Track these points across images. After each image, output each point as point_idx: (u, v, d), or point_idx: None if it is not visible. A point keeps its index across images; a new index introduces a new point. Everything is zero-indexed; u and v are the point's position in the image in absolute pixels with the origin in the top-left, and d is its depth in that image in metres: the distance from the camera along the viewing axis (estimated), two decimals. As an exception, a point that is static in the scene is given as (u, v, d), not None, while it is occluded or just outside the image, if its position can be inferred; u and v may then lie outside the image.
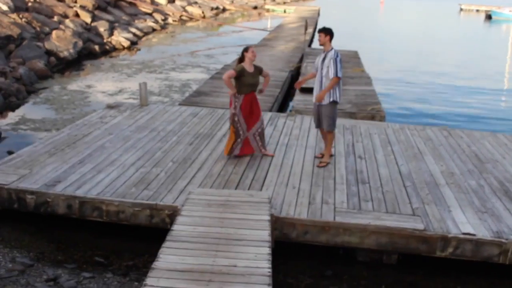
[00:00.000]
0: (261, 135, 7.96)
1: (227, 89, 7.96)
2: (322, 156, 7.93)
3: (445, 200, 6.65)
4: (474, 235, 5.76)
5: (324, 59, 7.51)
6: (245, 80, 7.52)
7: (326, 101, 7.55)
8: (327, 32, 7.49)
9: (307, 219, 6.00)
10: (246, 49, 7.60)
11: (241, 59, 7.63)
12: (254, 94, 7.75)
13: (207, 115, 10.21)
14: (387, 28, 41.66)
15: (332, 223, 5.95)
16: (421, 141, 9.16)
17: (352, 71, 16.13)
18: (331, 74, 7.36)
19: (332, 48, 7.48)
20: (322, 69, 7.51)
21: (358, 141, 8.99)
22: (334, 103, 7.59)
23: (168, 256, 4.92)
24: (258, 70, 7.74)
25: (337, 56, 7.38)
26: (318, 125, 7.89)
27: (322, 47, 7.63)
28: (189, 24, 34.63)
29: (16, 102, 12.55)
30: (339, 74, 7.36)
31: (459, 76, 20.86)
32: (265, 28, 31.40)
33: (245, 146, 7.86)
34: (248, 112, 7.69)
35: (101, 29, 22.35)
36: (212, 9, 42.96)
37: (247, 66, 7.56)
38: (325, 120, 7.68)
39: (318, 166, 7.66)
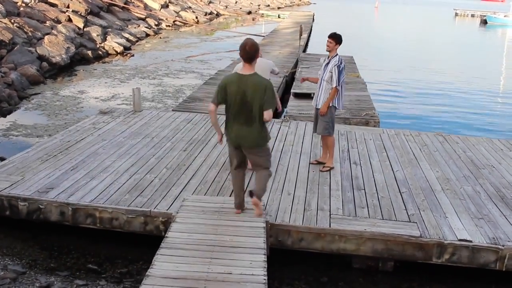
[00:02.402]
0: None
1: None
2: (318, 162, 7.91)
3: (441, 206, 6.62)
4: (470, 241, 5.73)
5: (328, 64, 7.51)
6: None
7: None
8: (338, 41, 7.45)
9: (302, 226, 5.95)
10: None
11: None
12: None
13: (201, 121, 10.16)
14: (382, 34, 41.86)
15: (328, 230, 5.90)
16: (417, 146, 9.14)
17: (347, 77, 16.08)
18: (334, 82, 7.37)
19: (337, 54, 7.48)
20: (324, 72, 7.51)
21: (353, 147, 8.96)
22: (332, 108, 7.58)
23: (163, 264, 4.87)
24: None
25: (340, 63, 7.38)
26: (315, 130, 7.86)
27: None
28: (183, 29, 34.60)
29: (8, 108, 12.43)
30: (337, 84, 7.38)
31: (454, 81, 20.95)
32: (259, 34, 31.40)
33: None
34: None
35: (94, 34, 22.26)
36: (206, 14, 43.03)
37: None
38: (321, 123, 7.66)
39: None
